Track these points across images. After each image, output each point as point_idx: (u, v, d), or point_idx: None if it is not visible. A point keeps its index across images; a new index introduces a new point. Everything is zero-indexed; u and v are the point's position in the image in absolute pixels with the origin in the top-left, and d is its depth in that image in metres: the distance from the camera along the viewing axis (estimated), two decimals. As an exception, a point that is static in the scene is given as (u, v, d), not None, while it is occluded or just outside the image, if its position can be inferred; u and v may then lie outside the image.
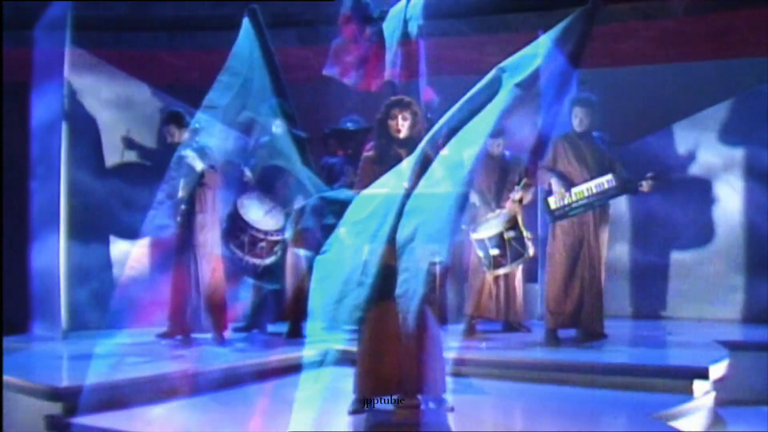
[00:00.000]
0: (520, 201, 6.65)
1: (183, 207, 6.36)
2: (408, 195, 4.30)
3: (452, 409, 4.64)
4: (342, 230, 4.41)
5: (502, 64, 4.45)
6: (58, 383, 5.13)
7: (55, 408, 4.87)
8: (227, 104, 5.47)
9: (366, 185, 4.57)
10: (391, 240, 4.27)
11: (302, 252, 6.35)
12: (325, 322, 4.59)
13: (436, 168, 4.32)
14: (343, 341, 5.98)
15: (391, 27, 6.37)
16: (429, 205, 4.26)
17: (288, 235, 6.08)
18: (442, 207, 4.25)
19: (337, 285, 4.32)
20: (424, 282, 4.22)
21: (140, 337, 6.36)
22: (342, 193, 4.71)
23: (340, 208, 4.51)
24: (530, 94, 4.42)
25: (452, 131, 4.35)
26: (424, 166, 4.33)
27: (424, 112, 4.99)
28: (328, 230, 4.50)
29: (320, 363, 4.64)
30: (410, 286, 4.22)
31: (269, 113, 5.79)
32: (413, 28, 6.22)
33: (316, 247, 4.50)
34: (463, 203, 4.34)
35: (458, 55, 7.34)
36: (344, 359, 5.76)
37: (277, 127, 6.54)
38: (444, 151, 4.33)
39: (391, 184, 4.40)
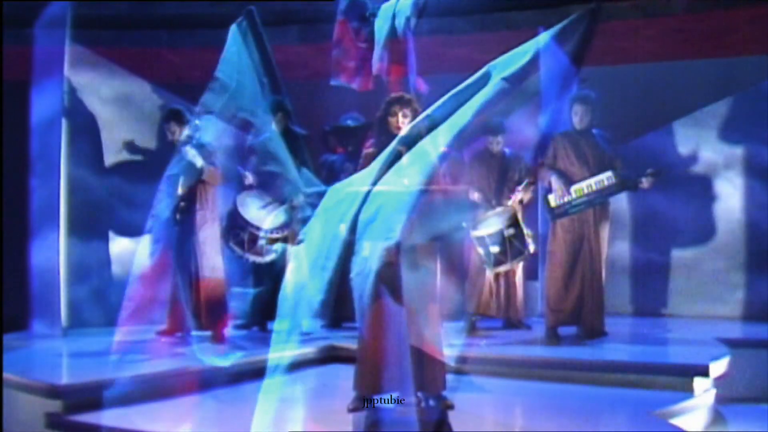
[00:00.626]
0: (522, 201, 6.67)
1: (183, 204, 6.35)
2: (374, 183, 4.33)
3: (452, 407, 4.65)
4: (314, 220, 4.45)
5: (493, 62, 4.47)
6: (58, 381, 5.15)
7: (55, 405, 4.88)
8: (221, 108, 5.51)
9: (366, 182, 4.57)
10: (355, 223, 4.31)
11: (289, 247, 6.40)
12: (290, 312, 4.56)
13: (407, 157, 4.34)
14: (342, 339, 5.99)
15: (381, 23, 6.38)
16: (392, 189, 4.31)
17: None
18: (403, 192, 4.31)
19: (303, 273, 4.34)
20: (378, 260, 4.27)
21: (140, 334, 6.36)
22: (326, 188, 4.74)
23: (317, 200, 4.54)
24: (517, 88, 4.41)
25: (434, 125, 4.36)
26: (394, 160, 4.36)
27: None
28: (306, 223, 4.56)
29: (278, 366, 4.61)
30: (364, 265, 4.30)
31: (263, 115, 5.82)
32: (400, 23, 6.23)
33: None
34: (425, 190, 4.36)
35: (459, 53, 7.33)
36: (344, 357, 5.78)
37: (277, 123, 6.56)
38: (421, 141, 4.35)
39: (364, 179, 4.42)
